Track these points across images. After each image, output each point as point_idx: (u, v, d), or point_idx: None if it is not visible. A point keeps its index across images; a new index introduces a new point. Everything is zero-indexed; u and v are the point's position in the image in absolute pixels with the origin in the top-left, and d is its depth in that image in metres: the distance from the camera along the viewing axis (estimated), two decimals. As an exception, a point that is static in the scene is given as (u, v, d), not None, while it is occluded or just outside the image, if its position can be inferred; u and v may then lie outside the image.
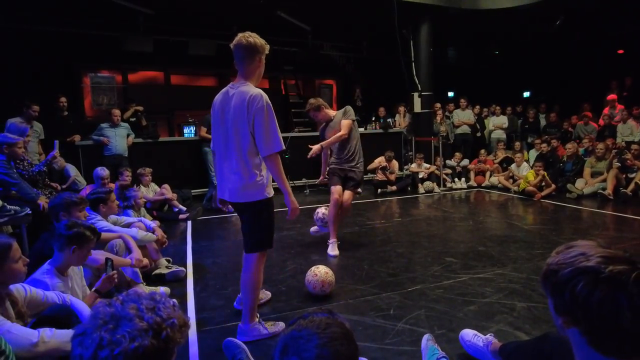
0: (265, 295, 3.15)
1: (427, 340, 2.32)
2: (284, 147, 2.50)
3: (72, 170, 6.04)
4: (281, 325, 2.75)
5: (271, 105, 2.46)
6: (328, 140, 4.33)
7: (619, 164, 7.13)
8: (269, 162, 2.47)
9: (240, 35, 2.52)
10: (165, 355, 0.96)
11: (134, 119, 7.85)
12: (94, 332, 0.91)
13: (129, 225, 3.72)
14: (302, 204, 7.12)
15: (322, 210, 4.69)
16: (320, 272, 3.26)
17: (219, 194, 2.72)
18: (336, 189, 4.40)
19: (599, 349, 0.98)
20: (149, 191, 6.35)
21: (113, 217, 3.77)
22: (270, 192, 2.58)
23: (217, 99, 2.61)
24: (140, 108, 7.99)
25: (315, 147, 4.23)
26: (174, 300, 1.08)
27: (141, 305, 0.97)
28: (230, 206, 2.73)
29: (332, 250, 4.37)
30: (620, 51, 10.80)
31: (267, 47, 2.59)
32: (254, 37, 2.52)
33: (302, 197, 7.87)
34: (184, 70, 10.59)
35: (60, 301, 2.18)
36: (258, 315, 2.74)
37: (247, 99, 2.41)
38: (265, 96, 2.45)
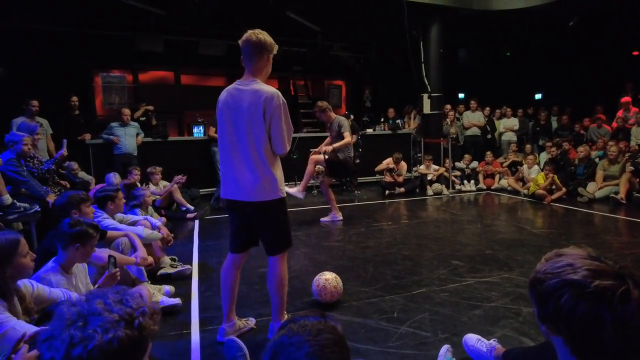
0: (248, 323, 2.84)
1: (446, 350, 2.26)
2: (289, 148, 2.52)
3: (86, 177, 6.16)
4: None
5: (286, 103, 2.48)
6: (338, 144, 5.50)
7: (632, 168, 7.00)
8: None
9: (249, 32, 2.48)
10: (141, 345, 0.94)
11: (144, 118, 7.93)
12: (62, 333, 0.88)
13: (134, 224, 3.75)
14: (310, 204, 7.20)
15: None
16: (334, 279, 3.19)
17: (223, 194, 2.62)
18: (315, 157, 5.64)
19: (579, 357, 0.99)
20: (159, 189, 6.40)
21: (119, 215, 3.79)
22: (284, 192, 2.56)
23: (222, 98, 2.55)
24: (151, 108, 8.07)
25: (329, 148, 5.43)
26: (142, 291, 1.06)
27: (107, 300, 0.95)
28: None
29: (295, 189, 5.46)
30: (635, 52, 10.61)
31: (276, 46, 2.57)
32: (263, 35, 2.49)
33: (310, 197, 7.86)
34: (194, 70, 10.66)
35: (65, 298, 2.20)
36: (286, 313, 2.74)
37: (264, 98, 2.38)
38: (280, 95, 2.44)
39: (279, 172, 2.53)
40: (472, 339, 2.34)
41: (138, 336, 0.93)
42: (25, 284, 2.04)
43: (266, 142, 2.43)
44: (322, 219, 5.99)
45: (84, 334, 0.87)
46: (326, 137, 7.66)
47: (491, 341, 2.25)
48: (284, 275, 2.62)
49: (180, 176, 6.39)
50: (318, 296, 3.15)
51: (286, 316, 2.70)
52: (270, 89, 2.43)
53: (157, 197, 6.15)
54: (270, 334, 2.65)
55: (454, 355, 2.33)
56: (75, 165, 5.96)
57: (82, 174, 6.13)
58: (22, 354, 1.63)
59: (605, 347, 0.94)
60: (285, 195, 2.59)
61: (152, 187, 6.21)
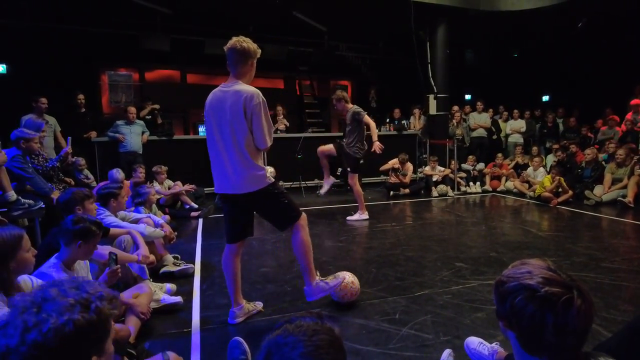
0: (256, 307, 3.03)
1: (448, 355, 2.24)
2: (271, 142, 2.67)
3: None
4: (340, 277, 2.99)
5: (265, 101, 2.62)
6: (374, 133, 5.88)
7: (641, 171, 6.91)
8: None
9: (235, 39, 2.65)
10: (100, 328, 0.93)
11: (150, 117, 7.96)
12: (16, 319, 0.87)
13: (137, 222, 3.75)
14: (315, 204, 7.18)
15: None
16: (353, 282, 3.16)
17: (216, 189, 2.79)
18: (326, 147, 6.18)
19: (526, 350, 1.17)
20: (164, 188, 6.41)
21: (122, 212, 3.80)
22: (271, 179, 2.73)
23: (208, 100, 2.70)
24: (157, 106, 8.10)
25: (378, 144, 5.80)
26: (143, 288, 1.08)
27: (62, 287, 0.94)
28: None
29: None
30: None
31: (259, 51, 2.74)
32: (247, 42, 2.66)
33: (314, 197, 7.85)
34: (200, 69, 10.69)
35: (64, 295, 2.20)
36: (318, 273, 2.92)
37: (244, 97, 2.54)
38: (260, 94, 2.60)
39: (261, 163, 2.71)
40: (474, 342, 2.31)
41: (96, 319, 0.92)
42: (25, 280, 2.03)
43: (248, 139, 2.60)
44: (348, 218, 6.04)
45: (37, 318, 0.86)
46: (331, 137, 8.09)
47: (493, 345, 2.22)
48: (307, 240, 2.85)
49: (190, 186, 6.43)
50: (341, 294, 3.10)
51: (317, 277, 2.90)
52: (250, 89, 2.60)
53: (162, 196, 6.16)
54: (308, 297, 2.88)
55: (456, 359, 2.30)
56: (82, 161, 6.02)
57: (86, 172, 6.16)
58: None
59: (545, 344, 1.11)
60: (273, 180, 2.75)
61: (157, 186, 6.22)
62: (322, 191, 6.45)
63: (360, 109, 5.77)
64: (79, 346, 0.90)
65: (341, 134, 9.07)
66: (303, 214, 2.88)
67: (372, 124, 5.82)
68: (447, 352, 2.23)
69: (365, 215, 6.01)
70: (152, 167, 6.47)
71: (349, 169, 5.92)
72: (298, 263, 2.93)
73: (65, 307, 0.89)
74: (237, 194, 2.67)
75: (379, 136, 6.29)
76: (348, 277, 3.12)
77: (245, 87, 2.60)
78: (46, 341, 0.85)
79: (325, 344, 0.93)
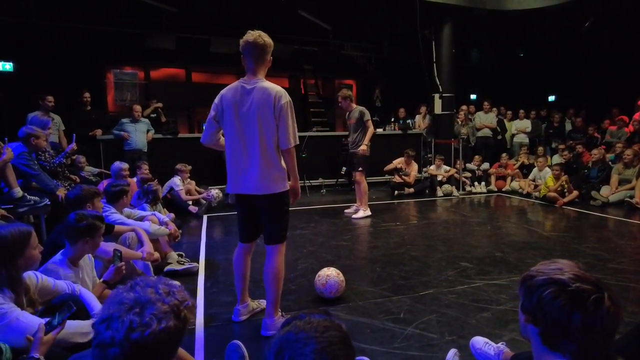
0: (260, 305, 3.02)
1: (454, 354, 2.23)
2: (298, 142, 2.62)
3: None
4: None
5: (291, 101, 2.61)
6: (367, 138, 5.91)
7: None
8: (288, 154, 2.60)
9: (254, 34, 2.59)
10: (182, 334, 1.07)
11: (154, 115, 7.98)
12: (122, 316, 0.99)
13: (142, 219, 3.76)
14: (319, 203, 7.17)
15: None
16: (336, 275, 3.20)
17: (231, 189, 2.71)
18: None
19: (548, 345, 1.18)
20: (182, 185, 6.42)
21: (127, 210, 3.81)
22: (288, 184, 2.69)
23: (227, 95, 2.62)
24: (160, 105, 8.11)
25: (364, 147, 5.86)
26: (179, 283, 1.14)
27: (159, 290, 1.06)
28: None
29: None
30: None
31: (273, 47, 2.70)
32: (267, 37, 2.62)
33: (318, 196, 7.84)
34: (205, 67, 10.70)
35: (69, 290, 2.20)
36: (280, 310, 2.79)
37: (274, 96, 2.51)
38: (287, 93, 2.59)
39: (284, 165, 2.66)
40: (479, 341, 2.29)
41: (182, 327, 1.05)
42: (30, 276, 2.04)
43: (275, 138, 2.56)
44: (352, 216, 6.13)
45: (142, 320, 0.99)
46: (335, 136, 8.26)
47: (499, 345, 2.20)
48: (282, 267, 2.71)
49: (214, 194, 6.49)
50: (327, 292, 3.15)
51: (279, 313, 2.74)
52: (278, 87, 2.58)
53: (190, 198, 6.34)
54: (263, 331, 2.69)
55: (461, 358, 2.29)
56: (82, 158, 6.05)
57: (89, 169, 6.20)
58: (39, 338, 1.66)
59: (570, 341, 1.12)
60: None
61: (177, 182, 6.26)
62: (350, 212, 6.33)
63: (366, 111, 5.96)
64: (165, 349, 1.04)
65: (346, 133, 9.08)
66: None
67: (371, 130, 5.93)
68: (452, 352, 2.21)
69: (369, 212, 6.14)
70: (157, 165, 6.48)
71: (360, 168, 6.04)
72: (265, 289, 2.73)
73: (163, 312, 1.02)
74: (256, 194, 2.59)
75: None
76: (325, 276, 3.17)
77: (273, 85, 2.57)
78: (146, 342, 0.98)
79: (336, 340, 0.93)
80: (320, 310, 1.02)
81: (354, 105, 6.03)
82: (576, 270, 1.17)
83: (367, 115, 5.91)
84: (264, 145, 2.54)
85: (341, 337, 0.95)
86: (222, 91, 2.66)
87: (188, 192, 6.43)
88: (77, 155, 5.94)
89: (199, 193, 6.64)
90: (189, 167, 6.53)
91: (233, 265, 2.86)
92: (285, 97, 2.54)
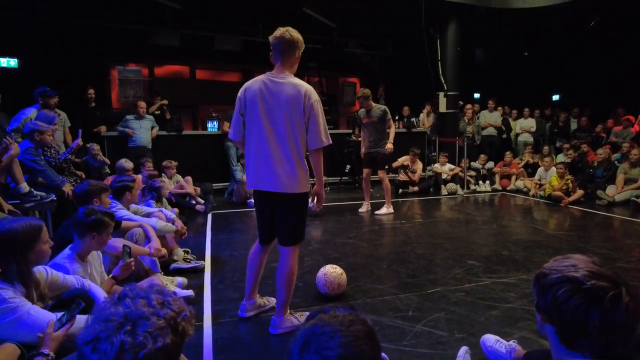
0: (268, 302, 3.00)
1: (465, 352, 2.22)
2: (331, 142, 2.56)
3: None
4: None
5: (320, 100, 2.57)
6: (392, 137, 6.10)
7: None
8: (316, 154, 2.55)
9: (282, 29, 2.56)
10: (180, 349, 0.95)
11: (159, 112, 7.97)
12: (111, 336, 0.86)
13: (149, 215, 3.75)
14: (326, 201, 7.11)
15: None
16: (335, 272, 3.19)
17: (251, 185, 2.64)
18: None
19: (566, 345, 1.14)
20: (172, 183, 6.41)
21: (134, 206, 3.80)
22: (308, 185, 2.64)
23: (254, 87, 2.55)
24: (166, 102, 8.10)
25: (390, 146, 6.04)
26: (174, 290, 1.06)
27: (152, 301, 0.93)
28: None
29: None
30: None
31: (303, 44, 2.66)
32: (296, 33, 2.59)
33: (325, 194, 7.80)
34: (210, 65, 10.68)
35: (79, 285, 2.20)
36: (290, 310, 2.76)
37: (304, 93, 2.46)
38: (315, 92, 2.55)
39: (306, 166, 2.62)
40: (490, 339, 2.28)
41: (180, 342, 0.93)
42: (40, 270, 2.03)
43: (303, 136, 2.51)
44: (376, 212, 6.21)
45: (135, 341, 0.86)
46: (339, 133, 8.54)
47: (510, 342, 2.18)
48: (295, 269, 2.67)
49: (196, 189, 6.46)
50: (326, 288, 3.15)
51: (288, 312, 2.72)
52: (307, 85, 2.54)
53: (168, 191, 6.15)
54: (272, 329, 2.66)
55: (472, 356, 2.27)
56: (96, 146, 6.12)
57: (101, 158, 6.25)
58: (49, 334, 1.65)
59: (589, 340, 1.08)
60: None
61: (166, 181, 6.22)
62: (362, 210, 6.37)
63: (388, 110, 6.08)
64: None
65: (349, 131, 9.06)
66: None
67: (393, 127, 6.14)
68: (463, 349, 2.20)
69: (392, 209, 6.24)
70: (161, 162, 6.47)
71: (386, 167, 6.26)
72: (276, 290, 2.70)
73: (158, 328, 0.89)
74: (276, 192, 2.53)
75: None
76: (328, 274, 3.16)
77: (302, 82, 2.53)
78: None
79: (362, 335, 0.92)
80: (345, 304, 1.01)
81: (374, 104, 6.03)
82: (591, 266, 1.13)
83: (389, 115, 6.03)
84: (291, 142, 2.48)
85: (367, 332, 0.93)
86: (246, 84, 2.61)
87: (181, 188, 6.37)
88: (91, 144, 6.04)
89: (195, 191, 6.53)
90: (175, 163, 6.46)
91: (248, 261, 2.83)
92: (315, 96, 2.50)
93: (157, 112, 7.91)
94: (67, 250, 2.43)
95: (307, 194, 2.62)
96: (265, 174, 2.53)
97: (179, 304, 0.97)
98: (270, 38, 2.56)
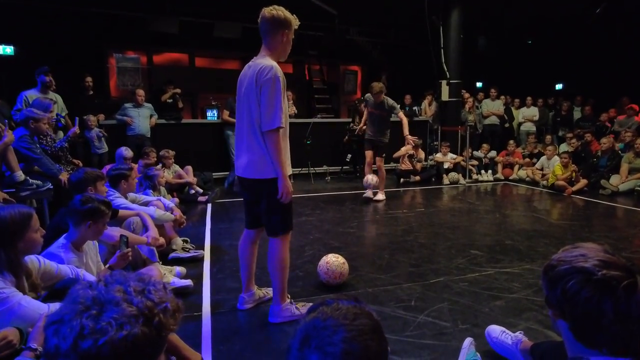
0: (267, 293, 2.92)
1: (470, 343, 2.16)
2: (282, 125, 2.33)
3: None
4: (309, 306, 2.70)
5: (281, 79, 2.32)
6: (407, 127, 6.13)
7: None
8: (268, 138, 2.34)
9: (265, 8, 2.44)
10: (156, 344, 0.83)
11: (171, 100, 7.85)
12: (73, 319, 0.77)
13: (147, 204, 3.68)
14: (324, 190, 7.10)
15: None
16: (337, 262, 3.14)
17: (235, 171, 2.64)
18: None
19: (582, 341, 1.06)
20: (170, 173, 6.33)
21: (132, 195, 3.73)
22: (287, 171, 2.46)
23: (241, 74, 2.54)
24: (178, 90, 7.97)
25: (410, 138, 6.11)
26: (165, 282, 0.97)
27: (129, 288, 0.83)
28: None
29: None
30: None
31: (296, 22, 2.49)
32: (278, 11, 2.43)
33: (323, 184, 7.76)
34: (209, 52, 10.55)
35: (73, 275, 2.14)
36: (289, 296, 2.71)
37: (258, 71, 2.33)
38: (276, 68, 2.34)
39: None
40: (495, 330, 2.22)
41: (155, 335, 0.82)
42: (32, 260, 1.97)
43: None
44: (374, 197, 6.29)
45: (96, 326, 0.77)
46: (340, 122, 8.56)
47: (517, 334, 2.13)
48: (284, 258, 2.59)
49: (194, 179, 6.42)
50: (328, 277, 3.11)
51: (288, 300, 2.67)
52: (267, 62, 2.36)
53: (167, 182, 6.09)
54: (270, 317, 2.62)
55: (476, 347, 2.22)
56: (92, 117, 6.18)
57: (96, 130, 6.36)
58: (38, 327, 1.58)
59: (604, 333, 1.01)
60: (289, 174, 2.49)
61: (165, 170, 6.15)
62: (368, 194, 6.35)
63: (397, 106, 6.18)
64: None
65: (349, 119, 8.94)
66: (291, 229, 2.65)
67: (405, 119, 6.15)
68: (468, 341, 2.14)
69: (384, 197, 6.33)
70: (159, 151, 6.38)
71: (383, 155, 6.31)
72: (270, 279, 2.65)
73: (127, 317, 0.79)
74: (247, 177, 2.49)
75: (391, 122, 6.27)
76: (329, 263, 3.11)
77: (265, 61, 2.37)
78: (98, 354, 0.76)
79: (368, 329, 0.85)
80: (350, 296, 0.93)
81: (383, 97, 6.05)
82: (602, 255, 1.06)
83: (397, 108, 6.13)
84: (251, 127, 2.40)
85: (373, 326, 0.86)
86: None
87: (179, 178, 6.30)
88: (87, 115, 6.04)
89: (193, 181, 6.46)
90: (173, 153, 6.37)
91: (238, 252, 2.79)
92: (270, 72, 2.28)
93: (169, 101, 7.80)
94: (61, 240, 2.37)
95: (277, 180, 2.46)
96: (238, 159, 2.53)
97: (160, 295, 0.86)
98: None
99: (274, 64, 2.36)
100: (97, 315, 0.78)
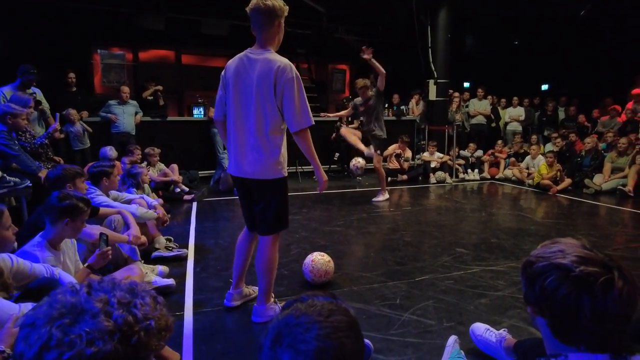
0: (254, 291, 2.86)
1: (454, 341, 2.14)
2: (313, 122, 2.34)
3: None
4: None
5: (299, 76, 2.32)
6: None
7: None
8: (300, 138, 2.34)
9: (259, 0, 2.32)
10: None
11: (152, 97, 7.73)
12: (43, 326, 0.70)
13: (129, 202, 3.61)
14: (312, 189, 7.06)
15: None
16: (322, 260, 3.12)
17: (231, 170, 2.52)
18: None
19: (560, 338, 1.05)
20: (155, 171, 6.24)
21: (114, 192, 3.66)
22: (286, 171, 2.47)
23: (232, 65, 2.42)
24: (160, 88, 7.85)
25: None
26: (147, 281, 0.90)
27: (113, 298, 0.76)
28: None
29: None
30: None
31: (286, 8, 2.40)
32: (272, 0, 2.32)
33: (311, 182, 7.72)
34: (196, 50, 10.42)
35: (48, 274, 2.07)
36: (273, 296, 2.67)
37: (276, 69, 2.25)
38: (294, 67, 2.32)
39: (284, 150, 2.43)
40: (480, 328, 2.22)
41: (131, 354, 0.73)
42: (4, 258, 1.90)
43: (276, 118, 2.33)
44: (373, 199, 6.18)
45: (64, 338, 0.69)
46: (328, 121, 8.36)
47: (501, 331, 2.12)
48: (274, 258, 2.55)
49: (180, 177, 6.33)
50: (313, 275, 3.09)
51: (272, 300, 2.63)
52: (283, 60, 2.30)
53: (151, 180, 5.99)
54: (254, 317, 2.58)
55: (461, 345, 2.21)
56: (73, 111, 6.12)
57: (80, 124, 6.28)
58: (7, 329, 1.52)
59: (582, 331, 1.00)
60: (287, 174, 2.49)
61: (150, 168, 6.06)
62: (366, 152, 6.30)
63: (379, 90, 5.98)
64: None
65: (336, 118, 8.89)
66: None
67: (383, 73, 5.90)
68: (452, 339, 2.13)
69: (387, 195, 6.27)
70: (145, 149, 6.29)
71: (378, 152, 6.11)
72: (257, 279, 2.60)
73: (101, 332, 0.70)
74: (248, 178, 2.41)
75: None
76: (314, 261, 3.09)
77: (278, 57, 2.30)
78: None
79: (343, 326, 0.81)
80: (326, 292, 0.90)
81: (370, 93, 5.97)
82: (580, 251, 1.04)
83: (380, 89, 5.94)
84: (259, 125, 2.31)
85: (348, 323, 0.83)
86: (229, 62, 2.45)
87: (165, 176, 6.21)
88: (67, 109, 5.96)
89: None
90: (158, 151, 6.29)
91: (235, 248, 2.72)
92: (291, 72, 2.26)
93: (150, 98, 7.68)
94: (37, 238, 2.30)
95: (280, 180, 2.43)
96: (238, 158, 2.42)
97: (147, 311, 0.77)
98: (247, 9, 2.33)
99: (289, 61, 2.32)
100: (69, 325, 0.71)
